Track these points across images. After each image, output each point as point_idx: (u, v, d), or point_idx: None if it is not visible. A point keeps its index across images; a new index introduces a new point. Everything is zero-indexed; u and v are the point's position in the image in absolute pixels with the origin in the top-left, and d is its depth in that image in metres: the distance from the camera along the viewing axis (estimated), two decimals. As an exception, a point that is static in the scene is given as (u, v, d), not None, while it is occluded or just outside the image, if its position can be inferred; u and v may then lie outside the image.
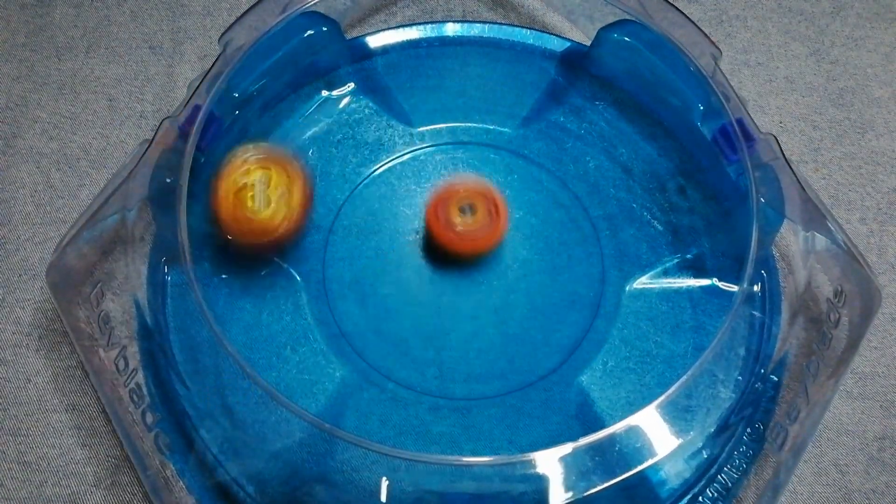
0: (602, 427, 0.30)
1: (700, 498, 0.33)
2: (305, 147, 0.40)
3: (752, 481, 0.34)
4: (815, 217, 0.35)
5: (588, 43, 0.42)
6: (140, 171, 0.35)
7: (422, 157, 0.41)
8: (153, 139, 0.35)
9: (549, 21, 0.46)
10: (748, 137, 0.36)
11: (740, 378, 0.34)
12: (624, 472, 0.30)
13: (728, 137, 0.37)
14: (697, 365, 0.31)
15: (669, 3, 0.40)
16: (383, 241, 0.38)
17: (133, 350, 0.35)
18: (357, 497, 0.32)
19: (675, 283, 0.38)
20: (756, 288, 0.36)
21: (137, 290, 0.35)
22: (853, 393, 0.37)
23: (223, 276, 0.37)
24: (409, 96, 0.42)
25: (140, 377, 0.34)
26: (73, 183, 0.41)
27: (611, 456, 0.30)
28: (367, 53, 0.43)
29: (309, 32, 0.40)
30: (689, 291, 0.37)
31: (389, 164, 0.40)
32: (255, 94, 0.39)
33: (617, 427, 0.30)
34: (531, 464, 0.30)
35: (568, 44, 0.43)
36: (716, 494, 0.33)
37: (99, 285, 0.35)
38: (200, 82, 0.37)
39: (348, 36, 0.43)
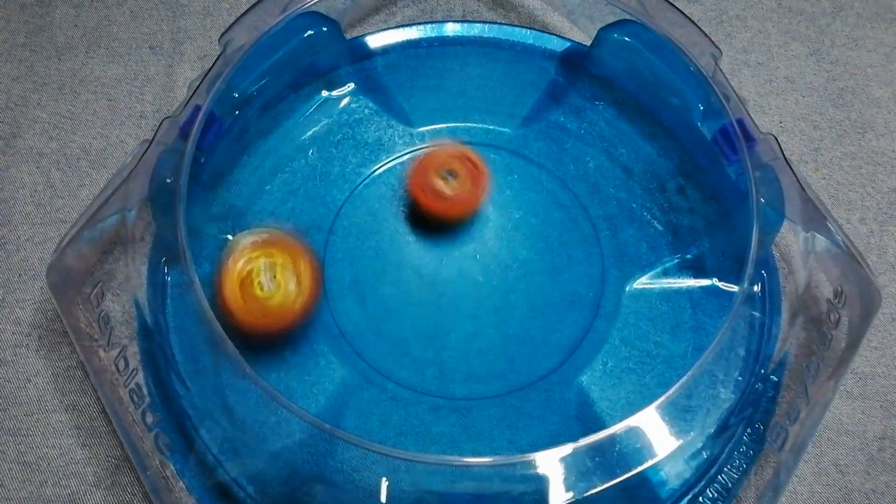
0: (602, 427, 0.30)
1: (700, 498, 0.33)
2: (305, 147, 0.40)
3: (752, 481, 0.34)
4: (815, 217, 0.35)
5: (588, 43, 0.42)
6: (140, 171, 0.35)
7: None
8: (153, 139, 0.35)
9: (549, 21, 0.46)
10: (748, 137, 0.36)
11: (740, 378, 0.34)
12: (624, 473, 0.30)
13: (728, 137, 0.37)
14: (697, 365, 0.31)
15: (669, 3, 0.40)
16: (383, 241, 0.38)
17: (133, 350, 0.35)
18: (357, 497, 0.32)
19: (675, 283, 0.38)
20: (756, 288, 0.36)
21: (137, 290, 0.35)
22: (853, 393, 0.37)
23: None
24: (409, 96, 0.42)
25: (140, 377, 0.34)
26: (73, 183, 0.41)
27: (611, 456, 0.30)
28: (367, 53, 0.43)
29: (309, 32, 0.40)
30: (689, 291, 0.37)
31: (389, 164, 0.40)
32: (255, 94, 0.39)
33: (617, 427, 0.30)
34: (531, 464, 0.30)
35: (568, 44, 0.43)
36: (716, 495, 0.33)
37: (99, 285, 0.35)
38: (200, 82, 0.37)
39: (348, 36, 0.43)
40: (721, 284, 0.37)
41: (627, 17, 0.39)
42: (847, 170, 0.42)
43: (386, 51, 0.43)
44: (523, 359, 0.36)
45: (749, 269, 0.33)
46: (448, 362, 0.36)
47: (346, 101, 0.42)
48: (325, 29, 0.41)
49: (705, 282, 0.37)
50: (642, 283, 0.38)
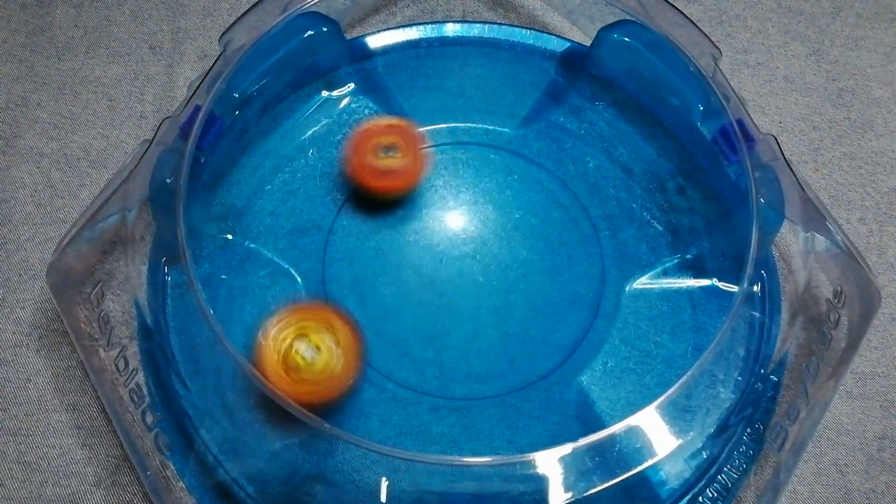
0: (602, 427, 0.30)
1: (700, 498, 0.33)
2: (305, 147, 0.40)
3: (752, 481, 0.34)
4: (815, 217, 0.35)
5: (588, 43, 0.42)
6: (140, 171, 0.35)
7: (422, 158, 0.41)
8: (153, 139, 0.35)
9: (549, 21, 0.46)
10: (748, 138, 0.36)
11: (740, 378, 0.34)
12: (624, 473, 0.30)
13: (728, 138, 0.37)
14: (697, 365, 0.31)
15: (669, 3, 0.40)
16: (383, 241, 0.38)
17: (133, 350, 0.35)
18: (357, 497, 0.32)
19: (675, 283, 0.38)
20: (756, 288, 0.36)
21: (137, 290, 0.35)
22: (853, 393, 0.37)
23: (223, 277, 0.37)
24: (409, 96, 0.42)
25: (140, 377, 0.34)
26: (73, 183, 0.41)
27: (611, 456, 0.30)
28: (367, 53, 0.43)
29: (309, 32, 0.40)
30: (689, 291, 0.37)
31: (389, 164, 0.40)
32: (255, 95, 0.39)
33: (617, 427, 0.30)
34: (531, 464, 0.30)
35: (568, 44, 0.43)
36: (716, 494, 0.33)
37: (99, 285, 0.35)
38: (200, 82, 0.37)
39: (348, 36, 0.43)
40: (721, 284, 0.37)
41: (627, 17, 0.39)
42: (847, 170, 0.42)
43: (386, 51, 0.43)
44: (523, 359, 0.36)
45: (749, 269, 0.33)
46: (448, 362, 0.36)
47: (346, 101, 0.42)
48: (325, 29, 0.41)
49: (705, 282, 0.37)
50: (642, 283, 0.38)
